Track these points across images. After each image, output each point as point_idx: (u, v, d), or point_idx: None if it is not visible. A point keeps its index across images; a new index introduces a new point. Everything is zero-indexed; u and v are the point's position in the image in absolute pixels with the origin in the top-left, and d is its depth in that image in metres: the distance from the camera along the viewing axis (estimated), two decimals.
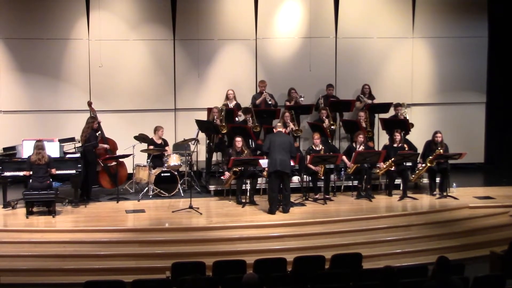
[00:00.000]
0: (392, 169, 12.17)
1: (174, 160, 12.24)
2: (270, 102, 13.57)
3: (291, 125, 12.91)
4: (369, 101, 13.86)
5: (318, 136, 12.16)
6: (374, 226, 10.72)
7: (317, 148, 12.09)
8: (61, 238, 10.05)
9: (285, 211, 11.17)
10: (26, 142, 11.73)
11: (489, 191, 12.76)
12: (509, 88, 15.16)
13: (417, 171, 12.45)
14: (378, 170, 12.31)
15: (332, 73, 14.54)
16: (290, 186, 11.44)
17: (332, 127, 13.39)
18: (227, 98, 13.53)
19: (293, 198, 11.52)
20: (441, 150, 12.13)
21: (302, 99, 13.70)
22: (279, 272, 8.02)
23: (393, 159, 12.08)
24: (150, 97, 14.04)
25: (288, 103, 13.72)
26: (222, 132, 12.78)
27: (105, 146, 12.27)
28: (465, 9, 14.90)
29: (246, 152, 11.97)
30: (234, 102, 13.56)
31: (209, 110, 13.27)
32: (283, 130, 11.54)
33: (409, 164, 12.39)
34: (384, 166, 12.16)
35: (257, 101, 13.63)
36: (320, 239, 10.31)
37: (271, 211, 11.09)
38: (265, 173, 11.95)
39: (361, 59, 14.65)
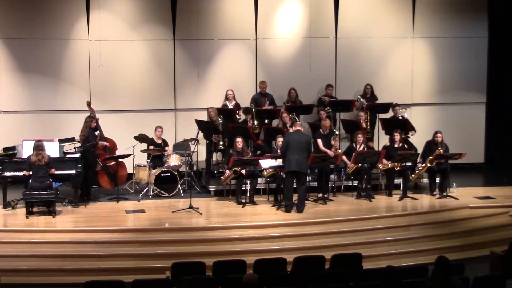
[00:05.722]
0: (398, 169, 12.14)
1: (174, 160, 12.24)
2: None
3: (289, 123, 12.93)
4: (365, 103, 13.83)
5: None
6: (374, 226, 10.72)
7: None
8: (61, 238, 10.05)
9: (299, 210, 11.15)
10: (26, 142, 11.73)
11: (489, 191, 12.77)
12: (509, 88, 15.15)
13: (417, 171, 12.45)
14: (381, 165, 12.25)
15: (332, 73, 14.54)
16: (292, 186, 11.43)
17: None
18: (226, 98, 13.53)
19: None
20: (441, 150, 12.13)
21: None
22: (279, 272, 8.02)
23: (395, 162, 12.03)
24: (150, 97, 14.03)
25: (286, 103, 13.72)
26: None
27: (104, 143, 12.27)
28: (465, 9, 14.90)
29: (250, 154, 12.00)
30: (234, 102, 13.57)
31: None
32: (301, 128, 11.55)
33: (409, 164, 12.39)
34: (389, 164, 12.12)
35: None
36: (320, 239, 10.31)
37: (287, 209, 11.11)
38: (265, 172, 11.97)
39: (361, 59, 14.64)
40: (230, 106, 13.50)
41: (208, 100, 13.85)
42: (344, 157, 12.33)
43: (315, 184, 12.33)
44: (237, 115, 13.36)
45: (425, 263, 8.95)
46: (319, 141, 12.38)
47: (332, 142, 12.19)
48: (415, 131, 13.28)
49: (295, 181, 11.21)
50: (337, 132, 12.76)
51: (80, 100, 13.52)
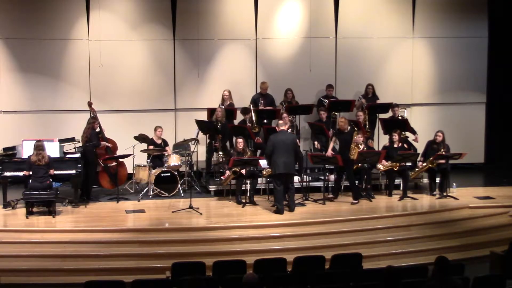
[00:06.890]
0: (396, 169, 12.14)
1: (174, 160, 12.24)
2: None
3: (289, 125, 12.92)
4: (365, 103, 13.82)
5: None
6: (374, 226, 10.72)
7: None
8: (61, 238, 10.05)
9: (292, 209, 11.14)
10: (26, 142, 11.74)
11: (489, 191, 12.77)
12: (509, 88, 15.15)
13: (417, 169, 12.44)
14: (380, 166, 12.25)
15: (332, 73, 14.54)
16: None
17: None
18: (222, 99, 13.48)
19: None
20: (443, 151, 12.13)
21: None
22: (279, 272, 8.02)
23: (395, 162, 12.02)
24: (150, 97, 14.03)
25: (283, 104, 13.70)
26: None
27: (107, 144, 12.28)
28: (465, 9, 14.90)
29: (249, 153, 11.99)
30: (229, 103, 13.45)
31: (210, 110, 13.26)
32: (286, 127, 11.50)
33: (409, 164, 12.38)
34: (388, 164, 12.12)
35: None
36: (320, 239, 10.31)
37: (279, 211, 11.06)
38: (264, 172, 11.97)
39: (361, 59, 14.64)
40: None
41: (208, 100, 13.85)
42: None
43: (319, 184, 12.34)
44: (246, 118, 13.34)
45: (425, 263, 8.96)
46: (334, 139, 12.20)
47: (355, 137, 12.04)
48: (414, 133, 13.23)
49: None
50: (355, 128, 12.65)
51: (80, 100, 13.53)
